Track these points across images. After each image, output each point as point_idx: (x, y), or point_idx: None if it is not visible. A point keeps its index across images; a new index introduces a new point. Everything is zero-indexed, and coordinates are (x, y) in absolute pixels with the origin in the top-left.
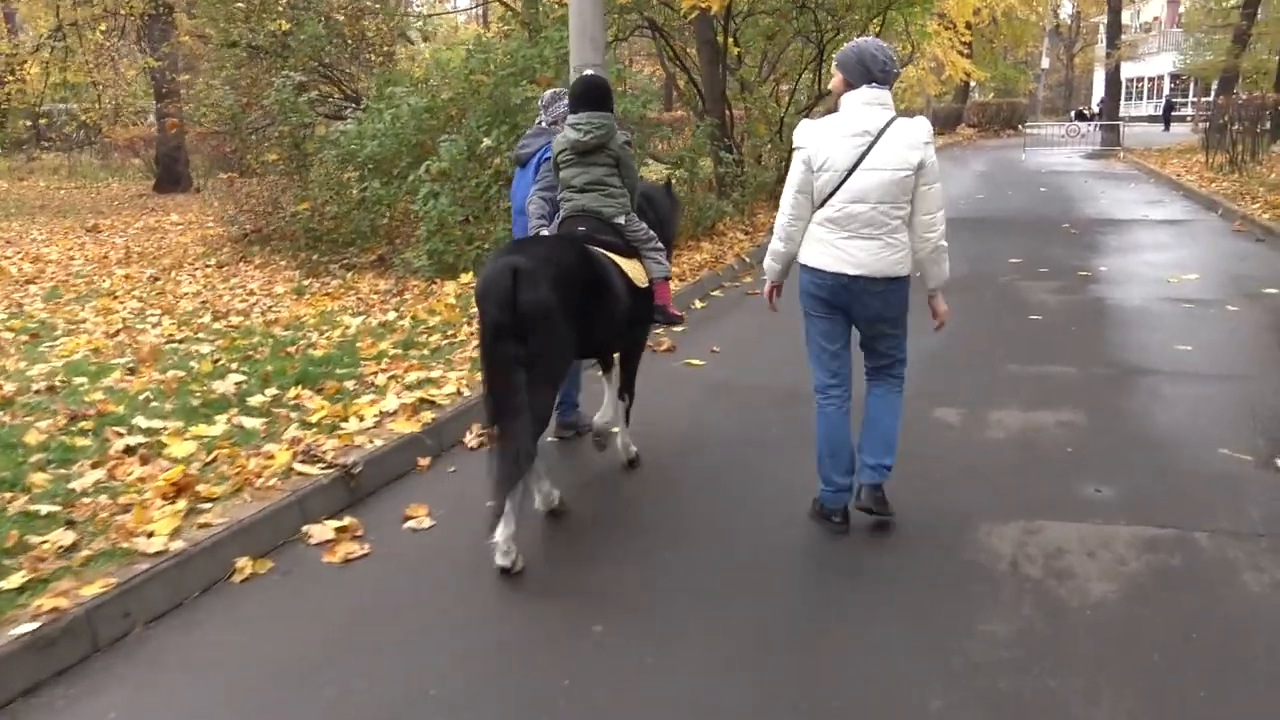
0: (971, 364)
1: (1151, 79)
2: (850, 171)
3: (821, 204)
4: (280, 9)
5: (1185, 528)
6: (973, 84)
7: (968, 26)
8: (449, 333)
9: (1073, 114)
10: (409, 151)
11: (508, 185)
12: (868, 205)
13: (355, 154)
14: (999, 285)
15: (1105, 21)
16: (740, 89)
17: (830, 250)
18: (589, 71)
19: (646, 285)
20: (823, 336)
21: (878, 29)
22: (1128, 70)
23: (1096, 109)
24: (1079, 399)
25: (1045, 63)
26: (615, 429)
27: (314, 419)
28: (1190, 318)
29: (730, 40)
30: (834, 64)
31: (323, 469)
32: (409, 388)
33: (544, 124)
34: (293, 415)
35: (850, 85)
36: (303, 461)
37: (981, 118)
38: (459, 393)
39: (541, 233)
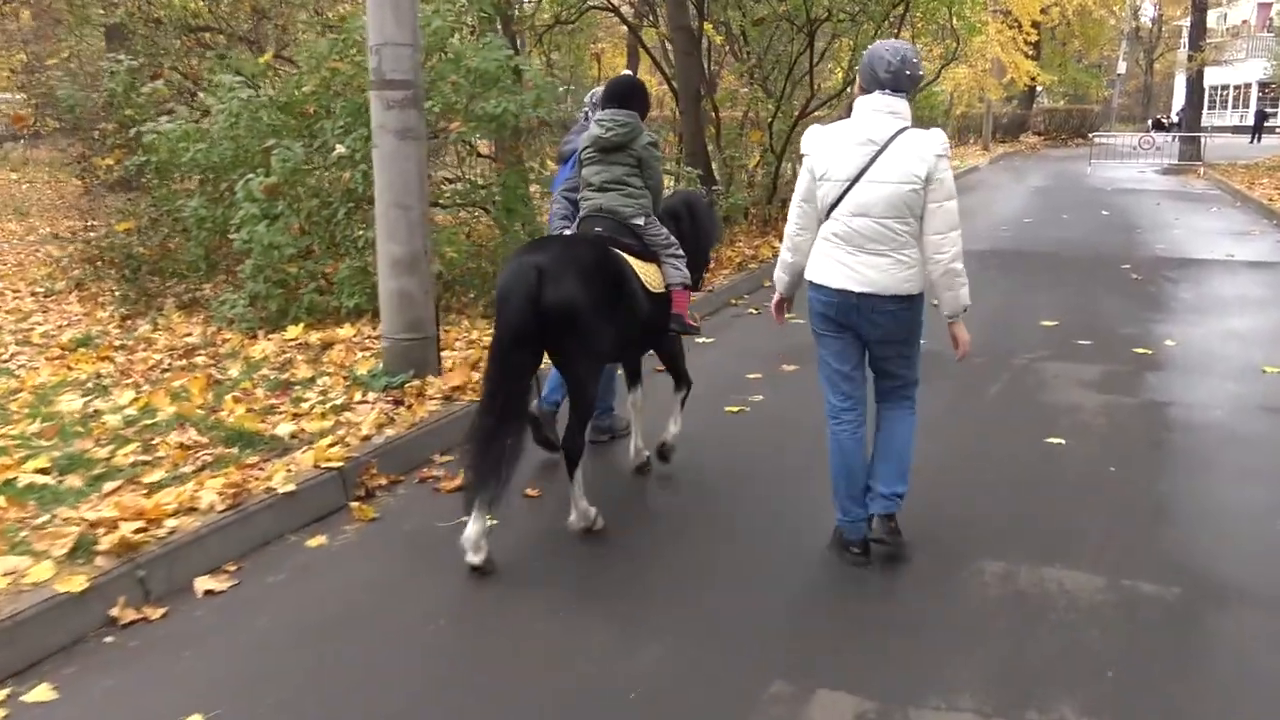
0: (926, 548)
1: (1238, 87)
2: (853, 183)
3: (826, 216)
4: None
5: None
6: (1039, 88)
7: (1034, 26)
8: (154, 441)
9: (1150, 123)
10: (250, 160)
11: (361, 206)
12: (871, 220)
13: (175, 161)
14: (1015, 369)
15: (1189, 23)
16: (749, 82)
17: (837, 267)
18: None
19: (662, 291)
20: (834, 358)
21: (902, 18)
22: (1212, 76)
23: (1176, 118)
24: (1101, 680)
25: (1122, 67)
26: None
27: None
28: None
29: (710, 26)
30: None
31: None
32: None
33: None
34: None
35: (865, 90)
36: None
37: (1049, 125)
38: None
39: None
